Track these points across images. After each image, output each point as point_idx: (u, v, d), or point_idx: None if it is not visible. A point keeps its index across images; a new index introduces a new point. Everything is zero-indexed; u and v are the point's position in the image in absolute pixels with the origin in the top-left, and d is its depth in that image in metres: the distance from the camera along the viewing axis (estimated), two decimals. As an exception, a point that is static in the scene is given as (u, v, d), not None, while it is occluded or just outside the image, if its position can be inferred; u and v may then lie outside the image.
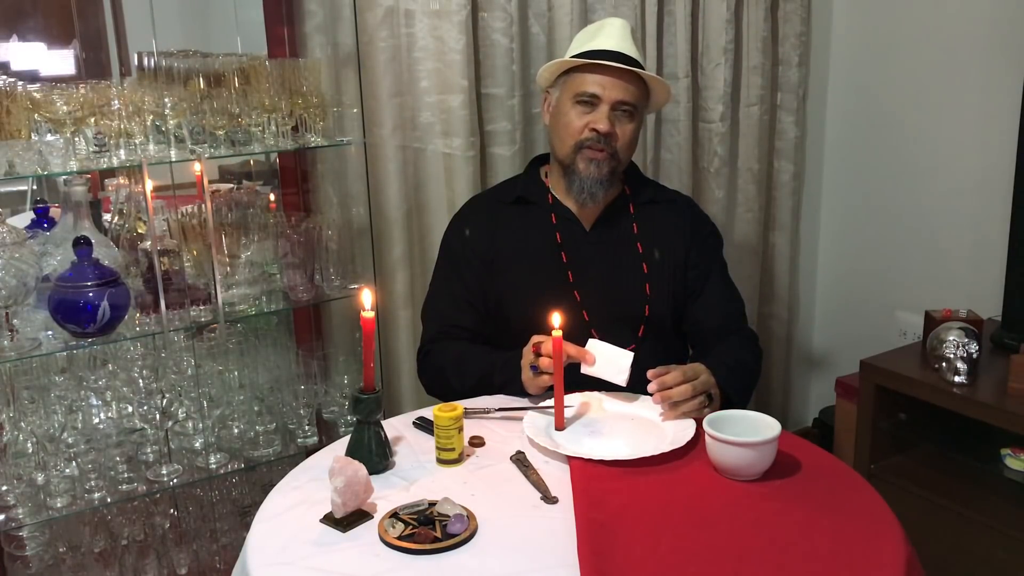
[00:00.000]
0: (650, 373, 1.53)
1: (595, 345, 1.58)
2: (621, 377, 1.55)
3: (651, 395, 1.55)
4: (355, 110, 2.06)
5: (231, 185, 2.25)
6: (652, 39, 2.47)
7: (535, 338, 1.62)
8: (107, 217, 1.99)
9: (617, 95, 1.72)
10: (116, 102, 1.65)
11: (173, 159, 1.76)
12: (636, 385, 1.61)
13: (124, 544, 1.87)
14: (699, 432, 1.45)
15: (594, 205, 1.81)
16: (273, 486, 1.40)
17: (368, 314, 1.39)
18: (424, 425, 1.57)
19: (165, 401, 1.75)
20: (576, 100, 1.74)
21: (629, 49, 1.76)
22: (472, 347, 1.80)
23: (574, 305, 1.76)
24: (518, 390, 1.67)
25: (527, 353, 1.63)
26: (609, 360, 1.57)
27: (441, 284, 1.89)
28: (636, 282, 1.81)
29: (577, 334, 1.65)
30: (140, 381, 1.75)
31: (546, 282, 1.78)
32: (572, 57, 1.77)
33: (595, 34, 1.79)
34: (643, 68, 1.76)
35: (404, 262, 2.24)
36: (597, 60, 1.72)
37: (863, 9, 2.78)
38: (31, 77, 1.81)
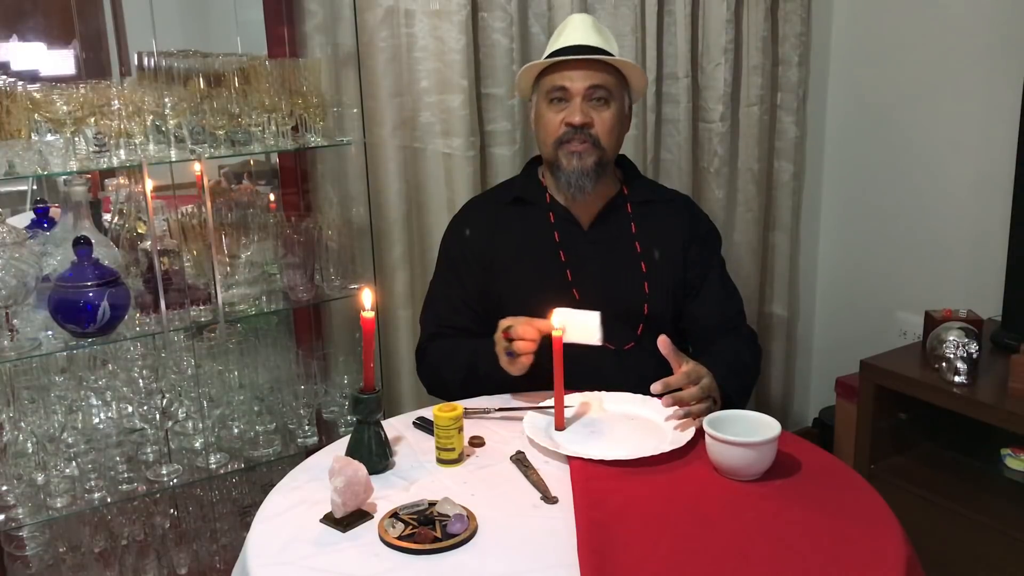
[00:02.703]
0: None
1: (562, 313, 1.58)
2: (595, 337, 1.56)
3: (652, 395, 1.55)
4: (355, 110, 2.06)
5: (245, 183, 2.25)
6: (652, 39, 2.47)
7: (503, 323, 1.62)
8: (107, 217, 1.99)
9: (585, 83, 1.72)
10: (116, 102, 1.65)
11: (173, 159, 1.76)
12: (636, 385, 1.61)
13: (124, 544, 1.87)
14: (699, 432, 1.45)
15: (584, 198, 1.80)
16: (273, 486, 1.40)
17: (368, 314, 1.39)
18: (424, 425, 1.57)
19: (165, 401, 1.75)
20: (549, 99, 1.76)
21: (592, 40, 1.76)
22: (460, 340, 1.81)
23: (573, 304, 1.75)
24: (500, 377, 1.65)
25: (499, 341, 1.63)
26: (579, 324, 1.57)
27: (439, 287, 1.90)
28: (634, 281, 1.81)
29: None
30: (140, 381, 1.75)
31: (545, 281, 1.79)
32: (537, 60, 1.79)
33: (560, 34, 1.81)
34: (608, 54, 1.75)
35: (404, 262, 2.24)
36: (559, 56, 1.73)
37: (863, 9, 2.78)
38: (31, 77, 1.81)
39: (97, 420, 1.75)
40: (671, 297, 1.83)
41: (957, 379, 2.08)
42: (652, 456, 1.40)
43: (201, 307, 1.86)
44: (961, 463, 2.26)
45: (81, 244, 1.64)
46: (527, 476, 1.39)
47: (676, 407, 1.51)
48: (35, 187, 2.05)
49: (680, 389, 1.52)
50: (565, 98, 1.74)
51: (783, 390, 3.06)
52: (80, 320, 1.64)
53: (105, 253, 1.74)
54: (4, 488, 1.70)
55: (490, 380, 1.70)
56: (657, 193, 1.93)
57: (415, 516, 1.25)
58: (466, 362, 1.75)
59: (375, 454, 1.40)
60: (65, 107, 1.59)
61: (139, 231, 1.89)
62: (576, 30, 1.78)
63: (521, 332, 1.59)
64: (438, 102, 2.19)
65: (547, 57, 1.78)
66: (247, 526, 1.32)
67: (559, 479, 1.37)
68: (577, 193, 1.77)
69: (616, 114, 1.77)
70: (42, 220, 1.85)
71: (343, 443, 1.46)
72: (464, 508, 1.26)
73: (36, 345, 1.67)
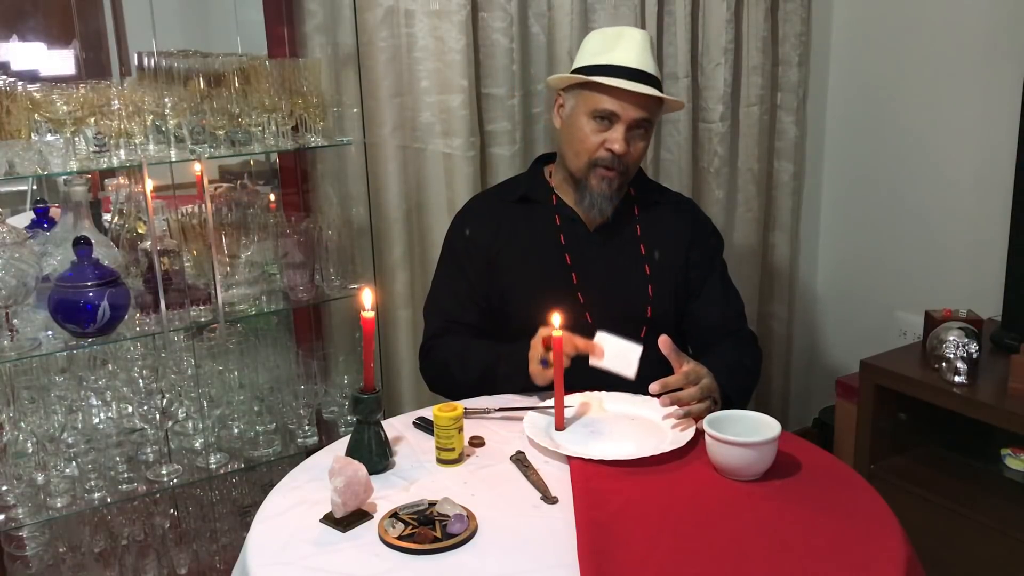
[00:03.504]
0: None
1: (604, 338, 1.59)
2: (630, 370, 1.56)
3: (653, 395, 1.55)
4: (355, 110, 2.06)
5: (231, 184, 2.25)
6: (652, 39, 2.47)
7: (543, 330, 1.62)
8: (107, 217, 1.99)
9: (635, 115, 1.70)
10: (116, 102, 1.65)
11: (173, 159, 1.76)
12: (638, 385, 1.61)
13: (124, 544, 1.87)
14: (699, 432, 1.45)
15: (602, 218, 1.81)
16: (273, 486, 1.40)
17: (368, 314, 1.39)
18: (424, 425, 1.57)
19: (165, 401, 1.75)
20: (593, 116, 1.71)
21: (648, 65, 1.72)
22: (475, 341, 1.80)
23: (577, 307, 1.76)
24: (521, 382, 1.65)
25: (536, 346, 1.62)
26: (618, 353, 1.57)
27: (444, 281, 1.89)
28: (639, 283, 1.81)
29: (580, 335, 1.64)
30: (140, 381, 1.75)
31: (550, 283, 1.78)
32: (592, 69, 1.71)
33: (614, 45, 1.73)
34: (661, 82, 1.74)
35: (404, 262, 2.24)
36: (618, 77, 1.68)
37: (863, 9, 2.78)
38: (31, 77, 1.81)
39: (97, 420, 1.74)
40: (674, 299, 1.83)
41: (957, 379, 2.08)
42: (652, 456, 1.40)
43: (201, 307, 1.86)
44: (961, 463, 2.27)
45: (81, 244, 1.64)
46: (527, 476, 1.39)
47: (675, 406, 1.51)
48: (35, 187, 2.05)
49: (679, 389, 1.52)
50: (611, 120, 1.71)
51: (783, 390, 3.06)
52: (80, 320, 1.64)
53: (105, 253, 1.74)
54: (4, 488, 1.70)
55: (508, 383, 1.69)
56: (662, 196, 1.93)
57: (415, 516, 1.25)
58: (483, 363, 1.73)
59: (375, 454, 1.40)
60: (65, 107, 1.59)
61: (139, 231, 1.89)
62: (633, 48, 1.71)
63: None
64: (438, 102, 2.19)
65: (596, 64, 1.71)
66: (247, 526, 1.31)
67: (559, 479, 1.37)
68: (598, 214, 1.79)
69: (648, 144, 1.79)
70: (42, 220, 1.85)
71: (343, 443, 1.46)
72: (464, 508, 1.26)
73: (36, 345, 1.67)
